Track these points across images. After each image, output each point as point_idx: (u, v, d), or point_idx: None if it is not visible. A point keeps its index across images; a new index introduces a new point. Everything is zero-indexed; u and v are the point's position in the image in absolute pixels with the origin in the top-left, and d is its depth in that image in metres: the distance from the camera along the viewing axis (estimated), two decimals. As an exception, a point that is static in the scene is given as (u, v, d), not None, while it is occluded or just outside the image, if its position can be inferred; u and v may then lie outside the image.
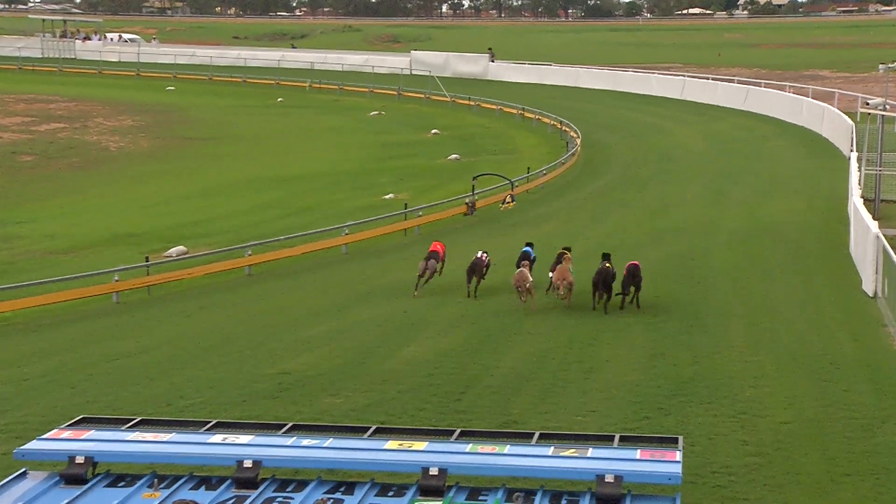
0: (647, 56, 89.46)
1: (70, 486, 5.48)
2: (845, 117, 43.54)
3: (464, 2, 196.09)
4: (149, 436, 5.84)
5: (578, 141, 46.18)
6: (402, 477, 5.50)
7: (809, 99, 52.29)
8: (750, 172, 39.10)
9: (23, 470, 5.72)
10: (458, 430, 5.83)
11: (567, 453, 5.51)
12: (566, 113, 54.79)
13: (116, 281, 24.59)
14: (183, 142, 51.90)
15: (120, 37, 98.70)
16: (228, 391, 15.00)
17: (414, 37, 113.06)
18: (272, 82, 75.51)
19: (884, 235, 20.59)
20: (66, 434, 5.90)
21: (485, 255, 21.64)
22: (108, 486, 5.50)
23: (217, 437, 5.81)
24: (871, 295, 20.38)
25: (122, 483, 5.53)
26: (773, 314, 19.13)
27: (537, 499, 5.25)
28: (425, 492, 5.31)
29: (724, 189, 35.75)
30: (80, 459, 5.59)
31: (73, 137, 52.10)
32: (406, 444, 5.66)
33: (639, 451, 5.55)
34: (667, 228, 28.39)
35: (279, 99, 68.43)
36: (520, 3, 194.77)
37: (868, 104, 32.47)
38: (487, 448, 5.59)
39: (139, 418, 6.17)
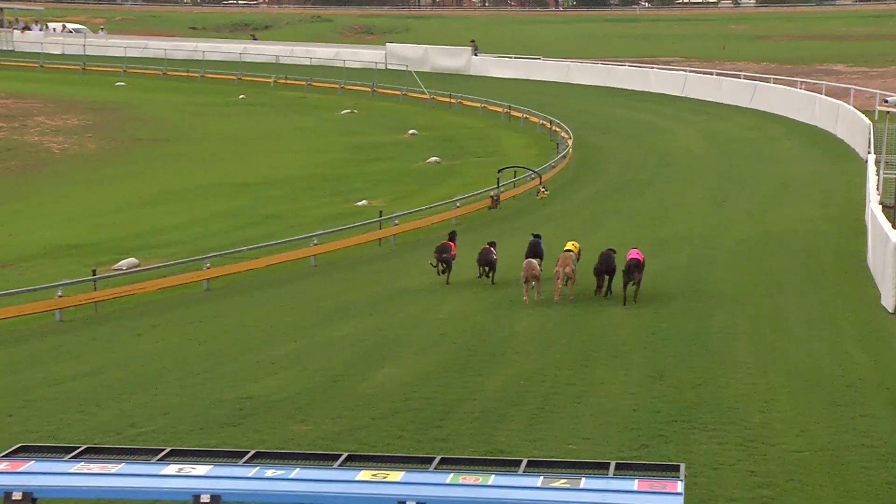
0: (644, 49, 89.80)
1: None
2: (862, 116, 43.80)
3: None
4: (95, 467, 5.80)
5: (570, 142, 46.30)
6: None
7: (823, 96, 52.59)
8: (757, 176, 39.29)
9: (-49, 509, 5.66)
10: (438, 458, 5.83)
11: (558, 484, 5.52)
12: (556, 111, 54.94)
13: (60, 297, 24.46)
14: (134, 143, 51.73)
15: (63, 27, 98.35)
16: (184, 418, 14.94)
17: (389, 28, 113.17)
18: (233, 78, 75.35)
19: (904, 245, 20.70)
20: (3, 466, 5.85)
21: (492, 248, 23.91)
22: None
23: (171, 469, 5.78)
24: (890, 311, 20.49)
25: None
26: (783, 332, 19.20)
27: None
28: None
29: (730, 195, 35.91)
30: (17, 496, 5.54)
31: (11, 138, 51.86)
32: (381, 474, 5.65)
33: (636, 481, 5.56)
34: (666, 238, 28.49)
35: (241, 96, 68.30)
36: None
37: (887, 101, 32.69)
38: (470, 479, 5.58)
39: (84, 447, 6.12)
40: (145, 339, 21.64)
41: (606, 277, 21.78)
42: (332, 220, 33.76)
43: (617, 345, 18.38)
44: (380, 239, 31.53)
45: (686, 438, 13.48)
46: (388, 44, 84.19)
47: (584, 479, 5.60)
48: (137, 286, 26.12)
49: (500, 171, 37.29)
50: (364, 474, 5.71)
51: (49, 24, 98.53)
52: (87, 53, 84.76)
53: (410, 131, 54.34)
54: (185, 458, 5.98)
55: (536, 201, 36.51)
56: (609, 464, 5.79)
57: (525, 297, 21.72)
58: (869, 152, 36.43)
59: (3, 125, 55.37)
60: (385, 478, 5.65)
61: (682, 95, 63.23)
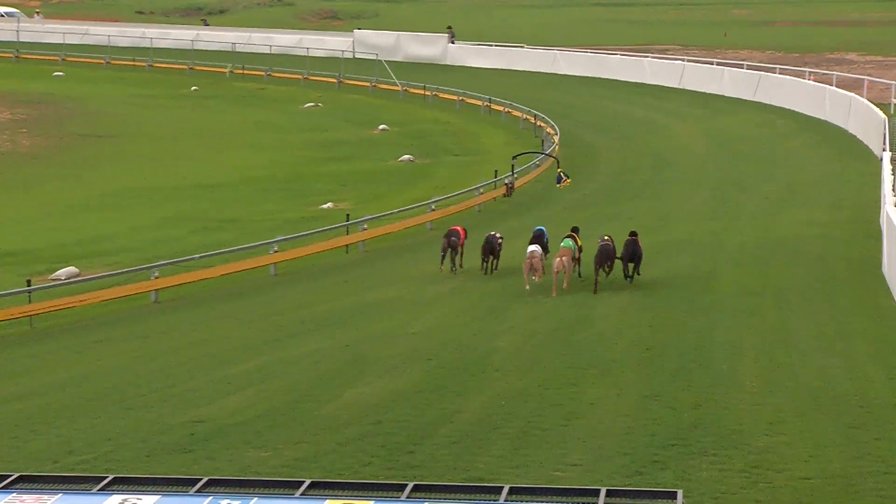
0: (639, 36, 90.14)
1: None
2: (877, 110, 44.07)
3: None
4: (29, 498, 5.77)
5: (556, 139, 46.42)
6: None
7: (834, 88, 52.88)
8: (762, 177, 39.50)
9: None
10: (411, 485, 5.83)
11: (542, 513, 5.52)
12: (541, 105, 55.06)
13: (-9, 310, 24.37)
14: (74, 140, 51.52)
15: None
16: (129, 445, 14.89)
17: (357, 12, 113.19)
18: (185, 67, 75.17)
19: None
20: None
21: (498, 235, 26.05)
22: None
23: (114, 499, 5.76)
24: (908, 323, 20.62)
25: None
26: (791, 347, 19.29)
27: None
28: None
29: (732, 197, 36.08)
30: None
31: (-63, 134, 51.59)
32: (348, 503, 5.65)
33: (629, 509, 5.57)
34: (664, 245, 28.58)
35: (193, 88, 68.14)
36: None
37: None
38: (446, 508, 5.59)
39: (17, 475, 6.10)
40: (86, 357, 21.55)
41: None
42: (295, 224, 33.73)
43: (608, 361, 18.42)
44: (347, 246, 31.52)
45: (684, 464, 13.52)
46: (355, 30, 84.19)
47: (571, 507, 5.61)
48: (77, 298, 26.01)
49: (514, 157, 39.46)
50: (329, 503, 5.70)
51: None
52: (20, 40, 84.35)
53: (381, 127, 54.35)
54: (129, 487, 5.95)
55: (540, 193, 37.54)
56: (599, 490, 5.80)
57: (526, 286, 23.73)
58: (884, 150, 36.63)
59: (-73, 120, 55.10)
60: (352, 507, 5.65)
61: (680, 87, 63.48)
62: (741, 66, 62.88)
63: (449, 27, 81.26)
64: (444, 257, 26.23)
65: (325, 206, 37.30)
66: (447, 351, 19.47)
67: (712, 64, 64.85)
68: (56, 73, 73.30)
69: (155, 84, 69.50)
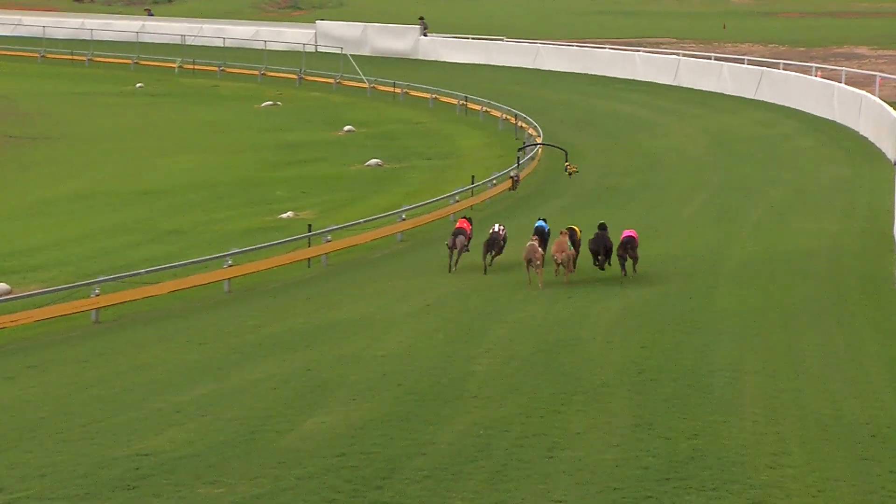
0: (630, 28, 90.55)
1: None
2: (890, 110, 44.30)
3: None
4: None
5: (539, 140, 46.51)
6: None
7: (842, 85, 53.17)
8: (765, 183, 39.63)
9: None
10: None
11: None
12: (523, 104, 55.18)
13: (-87, 331, 24.23)
14: (4, 142, 51.31)
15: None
16: (66, 481, 14.82)
17: (320, 2, 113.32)
18: (129, 62, 75.06)
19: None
20: None
21: (502, 228, 28.21)
22: None
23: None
24: (925, 344, 20.71)
25: None
26: (798, 371, 19.34)
27: None
28: None
29: (733, 205, 36.18)
30: None
31: None
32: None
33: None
34: (657, 259, 28.64)
35: (138, 84, 68.03)
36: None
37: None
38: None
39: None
40: (19, 383, 21.44)
41: (606, 259, 26.54)
42: (251, 235, 33.66)
43: (596, 386, 18.43)
44: (309, 259, 31.47)
45: (680, 500, 13.54)
46: (318, 21, 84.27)
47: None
48: (9, 318, 25.88)
49: (519, 149, 42.29)
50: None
51: None
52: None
53: (346, 128, 54.36)
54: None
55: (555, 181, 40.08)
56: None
57: (529, 279, 25.87)
58: (899, 153, 36.92)
59: None
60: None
61: (675, 84, 63.75)
62: (742, 62, 63.18)
63: (421, 18, 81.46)
64: (452, 256, 28.06)
65: (284, 215, 37.24)
66: (419, 375, 19.46)
67: (710, 59, 65.13)
68: (-15, 68, 73.09)
69: (95, 80, 69.34)
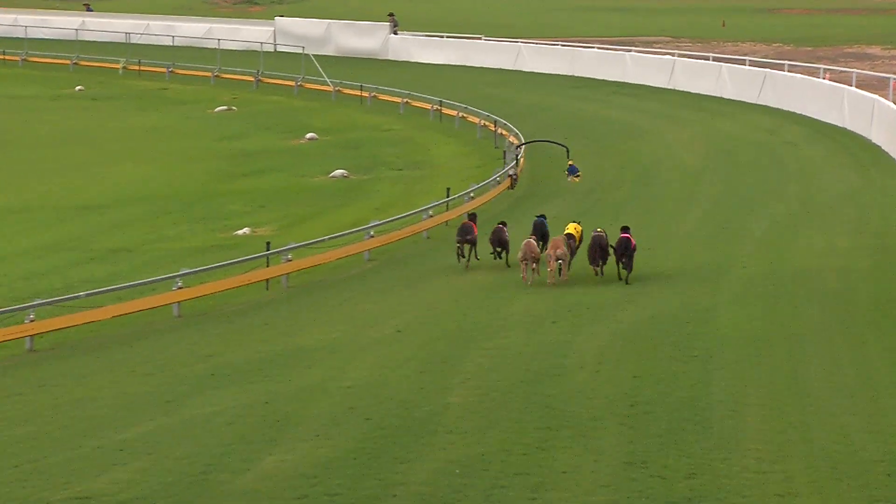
0: (620, 25, 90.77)
1: None
2: (905, 115, 44.57)
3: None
4: None
5: (522, 150, 46.53)
6: None
7: (853, 88, 53.35)
8: (769, 195, 39.72)
9: None
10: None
11: None
12: (503, 108, 55.18)
13: None
14: (-69, 151, 51.11)
15: None
16: (-1, 526, 14.75)
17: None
18: (67, 62, 74.83)
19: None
20: None
21: (504, 227, 30.47)
22: None
23: None
24: (943, 373, 20.77)
25: None
26: (805, 402, 19.37)
27: None
28: None
29: (734, 220, 36.25)
30: None
31: None
32: None
33: None
34: (650, 278, 28.69)
35: (78, 87, 67.81)
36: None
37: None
38: None
39: None
40: (-55, 418, 21.33)
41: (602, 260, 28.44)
42: (203, 254, 33.57)
43: (584, 420, 18.43)
44: (267, 280, 31.40)
45: (677, 546, 13.54)
46: (277, 18, 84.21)
47: None
48: (-65, 346, 25.76)
49: (518, 146, 44.68)
50: None
51: None
52: None
53: (308, 135, 54.29)
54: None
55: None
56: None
57: (523, 276, 28.00)
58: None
59: None
60: None
61: (670, 87, 63.85)
62: (743, 62, 63.35)
63: (391, 14, 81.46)
64: (459, 254, 30.54)
65: (239, 231, 37.16)
66: (389, 408, 19.43)
67: (708, 59, 65.29)
68: None
69: (30, 82, 69.13)
